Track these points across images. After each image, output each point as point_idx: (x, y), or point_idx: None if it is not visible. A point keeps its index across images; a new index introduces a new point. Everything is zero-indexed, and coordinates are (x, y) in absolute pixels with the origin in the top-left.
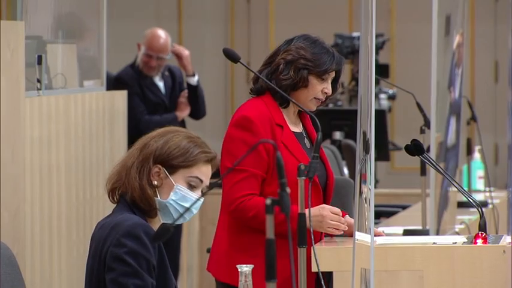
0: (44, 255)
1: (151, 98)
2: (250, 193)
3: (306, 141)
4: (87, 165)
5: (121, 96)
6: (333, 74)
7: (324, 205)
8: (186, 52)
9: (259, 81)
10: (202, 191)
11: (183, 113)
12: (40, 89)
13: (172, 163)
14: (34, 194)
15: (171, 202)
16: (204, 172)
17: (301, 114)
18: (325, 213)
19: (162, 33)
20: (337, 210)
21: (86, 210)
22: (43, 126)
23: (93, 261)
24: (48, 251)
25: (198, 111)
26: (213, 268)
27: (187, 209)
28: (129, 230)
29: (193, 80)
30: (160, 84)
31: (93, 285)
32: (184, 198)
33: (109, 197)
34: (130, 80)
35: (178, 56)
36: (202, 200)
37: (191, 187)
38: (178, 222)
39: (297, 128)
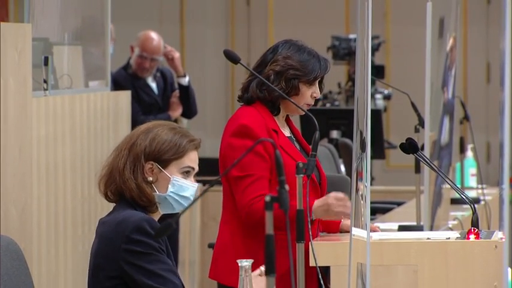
0: (51, 250)
1: (145, 98)
2: (260, 194)
3: (296, 143)
4: (92, 163)
5: (125, 96)
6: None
7: (330, 194)
8: (176, 54)
9: (249, 91)
10: (195, 179)
11: (176, 112)
12: (47, 89)
13: (163, 158)
14: (41, 190)
15: (170, 194)
16: (194, 159)
17: (286, 118)
18: (330, 201)
19: (154, 36)
20: (342, 195)
21: (91, 206)
22: (49, 125)
23: (98, 258)
24: (55, 246)
25: (189, 111)
26: (222, 275)
27: (193, 202)
28: (136, 225)
29: (185, 81)
30: (153, 85)
31: (99, 282)
32: (182, 188)
33: (105, 198)
34: (124, 82)
35: (169, 58)
36: (197, 185)
37: (185, 175)
38: (176, 211)
39: (287, 132)
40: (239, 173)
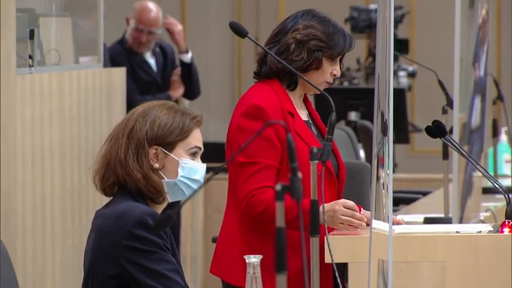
0: (37, 245)
1: (142, 76)
2: (264, 185)
3: (313, 128)
4: (83, 148)
5: (120, 74)
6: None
7: (339, 200)
8: (178, 27)
9: (268, 63)
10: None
11: (177, 92)
12: (32, 66)
13: (168, 140)
14: (26, 178)
15: (181, 179)
16: (199, 138)
17: (304, 99)
18: (337, 208)
19: (152, 6)
20: (351, 204)
21: (82, 196)
22: (35, 105)
23: (95, 255)
24: (41, 240)
25: (192, 91)
26: (222, 271)
27: (195, 192)
28: (138, 219)
29: (187, 57)
30: (152, 61)
31: (97, 282)
32: (192, 171)
33: (104, 194)
34: (120, 58)
35: (170, 31)
36: (205, 166)
37: (193, 157)
38: (187, 197)
39: (304, 116)
40: (244, 158)
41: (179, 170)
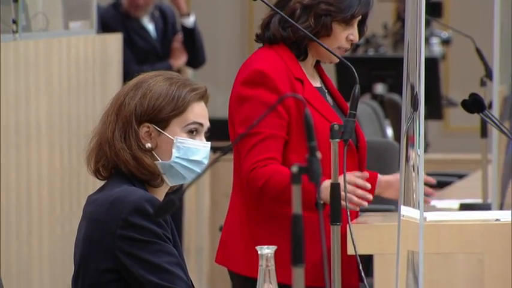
0: (21, 233)
1: (140, 44)
2: (266, 157)
3: (328, 97)
4: (74, 124)
5: (115, 41)
6: (359, 17)
7: (354, 172)
8: None
9: (271, 29)
10: (205, 138)
11: (179, 60)
12: (16, 32)
13: (161, 116)
14: (9, 158)
15: (176, 160)
16: (200, 113)
17: (317, 66)
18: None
19: None
20: (360, 180)
21: (73, 178)
22: (20, 76)
23: (87, 245)
24: (27, 228)
25: (196, 59)
26: (229, 260)
27: (201, 174)
28: (135, 206)
29: (189, 22)
30: (150, 26)
31: (89, 276)
32: (190, 151)
33: (97, 177)
34: (114, 23)
35: None
36: (209, 145)
37: (192, 135)
38: (188, 180)
39: (316, 82)
40: (245, 130)
41: (173, 150)
